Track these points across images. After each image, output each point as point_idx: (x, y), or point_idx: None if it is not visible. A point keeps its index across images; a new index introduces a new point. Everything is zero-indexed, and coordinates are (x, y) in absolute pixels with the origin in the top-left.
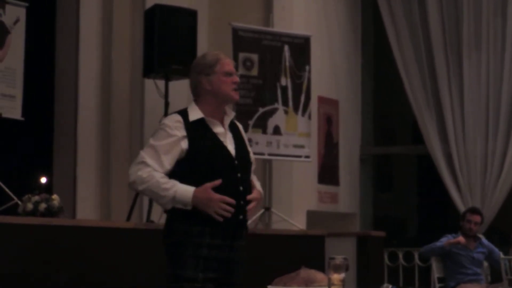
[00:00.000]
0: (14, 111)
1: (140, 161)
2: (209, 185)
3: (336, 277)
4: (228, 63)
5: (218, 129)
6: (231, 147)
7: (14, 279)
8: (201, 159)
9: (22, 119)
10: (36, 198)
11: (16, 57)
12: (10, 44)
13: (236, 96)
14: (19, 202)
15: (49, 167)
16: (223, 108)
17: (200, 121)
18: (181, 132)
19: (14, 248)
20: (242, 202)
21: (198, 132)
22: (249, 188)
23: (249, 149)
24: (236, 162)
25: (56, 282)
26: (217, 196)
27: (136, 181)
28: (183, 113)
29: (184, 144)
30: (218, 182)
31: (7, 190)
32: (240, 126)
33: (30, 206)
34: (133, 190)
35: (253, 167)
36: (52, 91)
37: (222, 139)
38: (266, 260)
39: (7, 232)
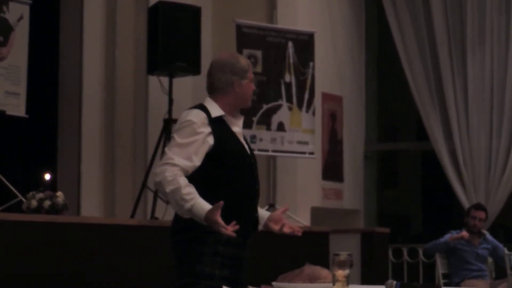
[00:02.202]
0: (18, 108)
1: (166, 161)
2: (215, 208)
3: (341, 273)
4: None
5: (236, 129)
6: (246, 146)
7: (19, 276)
8: (225, 157)
9: (26, 116)
10: (41, 195)
11: (20, 54)
12: (14, 41)
13: (249, 104)
14: (24, 199)
15: (53, 164)
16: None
17: (220, 118)
18: (207, 128)
19: (19, 245)
20: (256, 200)
21: (220, 129)
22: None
23: None
24: (252, 160)
25: (60, 279)
26: (221, 223)
27: (162, 182)
28: (204, 109)
29: (211, 140)
30: (220, 204)
31: (11, 187)
32: None
33: (34, 203)
34: (159, 190)
35: None
36: (56, 89)
37: (240, 138)
38: (270, 257)
39: (11, 229)
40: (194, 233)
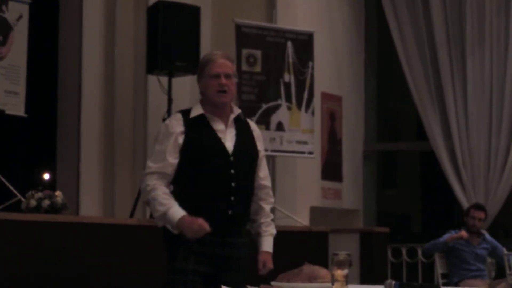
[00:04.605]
0: (17, 107)
1: (146, 172)
2: (201, 221)
3: (340, 273)
4: (218, 65)
5: (218, 126)
6: (229, 143)
7: (18, 276)
8: (194, 154)
9: (25, 116)
10: (40, 194)
11: (19, 54)
12: (13, 41)
13: (219, 98)
14: (23, 199)
15: (53, 163)
16: (223, 108)
17: (200, 118)
18: (180, 128)
19: (17, 245)
20: (233, 198)
21: (196, 128)
22: (248, 185)
23: (259, 147)
24: (231, 158)
25: (59, 279)
26: (201, 222)
27: (143, 190)
28: (186, 111)
29: (181, 139)
30: (208, 230)
31: (10, 186)
32: (253, 125)
33: (33, 202)
34: (143, 199)
35: (262, 164)
36: (55, 88)
37: (220, 135)
38: None
39: (10, 228)
40: (170, 232)
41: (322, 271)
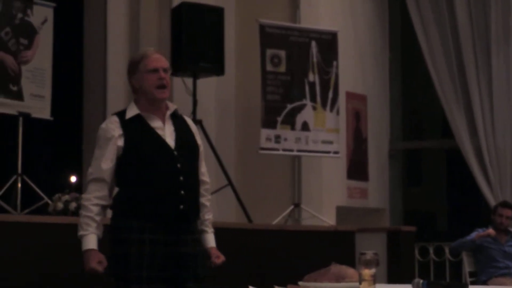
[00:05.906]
0: (43, 111)
1: (87, 179)
2: (95, 265)
3: (367, 272)
4: (154, 59)
5: (156, 124)
6: (170, 139)
7: (45, 278)
8: (137, 153)
9: (51, 119)
10: (66, 197)
11: (45, 57)
12: (38, 44)
13: (159, 94)
14: (50, 202)
15: (79, 166)
16: (159, 104)
17: (137, 117)
18: (117, 131)
19: (45, 247)
20: (182, 192)
21: (134, 128)
22: (195, 178)
23: (198, 141)
24: (175, 153)
25: (87, 281)
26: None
27: (81, 198)
28: (121, 113)
29: (120, 142)
30: (99, 273)
31: (37, 189)
32: (189, 120)
33: (60, 205)
34: None
35: (202, 160)
36: (80, 91)
37: (160, 132)
38: (297, 257)
39: (37, 231)
40: (121, 234)
41: (350, 271)
